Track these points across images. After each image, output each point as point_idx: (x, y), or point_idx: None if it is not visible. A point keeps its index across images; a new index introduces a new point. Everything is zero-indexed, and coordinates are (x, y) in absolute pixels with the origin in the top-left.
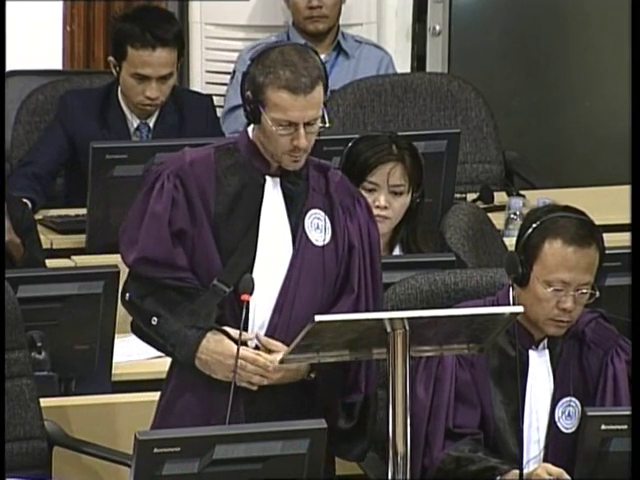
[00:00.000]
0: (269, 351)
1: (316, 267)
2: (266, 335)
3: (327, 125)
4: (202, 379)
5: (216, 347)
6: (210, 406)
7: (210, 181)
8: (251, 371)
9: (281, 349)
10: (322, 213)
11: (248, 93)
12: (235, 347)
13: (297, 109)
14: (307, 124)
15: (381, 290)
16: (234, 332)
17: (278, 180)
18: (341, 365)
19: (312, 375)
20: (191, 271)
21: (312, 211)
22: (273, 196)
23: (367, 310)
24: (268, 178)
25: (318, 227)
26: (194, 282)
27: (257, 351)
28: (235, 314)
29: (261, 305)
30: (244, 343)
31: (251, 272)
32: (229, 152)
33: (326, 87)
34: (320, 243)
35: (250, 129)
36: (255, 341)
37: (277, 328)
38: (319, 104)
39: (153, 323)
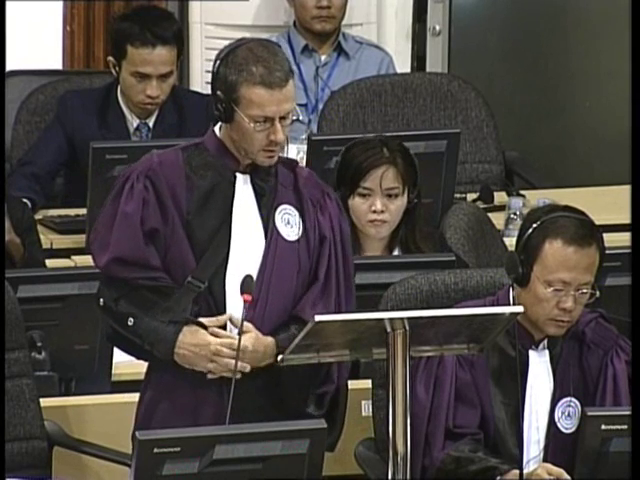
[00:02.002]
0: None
1: (289, 261)
2: None
3: (300, 117)
4: (182, 383)
5: (192, 339)
6: (194, 411)
7: (180, 180)
8: (227, 355)
9: (252, 329)
10: (293, 209)
11: (219, 93)
12: (210, 337)
13: (274, 104)
14: (282, 118)
15: (353, 283)
16: (208, 321)
17: (248, 177)
18: None
19: (280, 356)
20: (165, 270)
21: (282, 206)
22: (244, 193)
23: (337, 300)
24: (239, 175)
25: (289, 222)
26: (168, 281)
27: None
28: (211, 310)
29: (236, 300)
30: (224, 328)
31: (225, 268)
32: (197, 152)
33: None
34: (292, 238)
35: (217, 128)
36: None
37: (252, 322)
38: (293, 97)
39: (129, 324)
